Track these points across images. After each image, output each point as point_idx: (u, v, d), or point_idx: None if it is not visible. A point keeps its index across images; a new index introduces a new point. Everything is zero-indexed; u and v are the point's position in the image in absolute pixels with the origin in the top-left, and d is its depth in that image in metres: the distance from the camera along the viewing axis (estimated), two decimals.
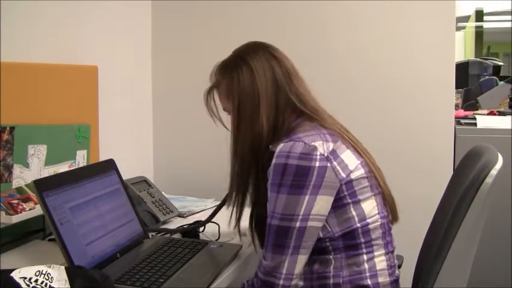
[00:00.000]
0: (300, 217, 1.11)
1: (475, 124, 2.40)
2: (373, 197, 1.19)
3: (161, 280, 1.15)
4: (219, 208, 1.49)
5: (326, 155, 1.13)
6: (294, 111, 1.25)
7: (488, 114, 2.74)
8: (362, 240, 1.17)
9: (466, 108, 2.93)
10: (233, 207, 1.32)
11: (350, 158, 1.18)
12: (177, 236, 1.52)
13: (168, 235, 1.51)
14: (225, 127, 1.33)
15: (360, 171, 1.18)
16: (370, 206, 1.18)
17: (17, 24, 1.60)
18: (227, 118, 1.33)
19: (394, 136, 1.99)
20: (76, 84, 1.79)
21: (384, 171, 1.27)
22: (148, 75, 2.30)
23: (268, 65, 1.25)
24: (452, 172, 1.78)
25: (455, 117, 2.21)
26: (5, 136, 1.50)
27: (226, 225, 1.50)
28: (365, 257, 1.17)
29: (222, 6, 2.17)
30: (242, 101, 1.24)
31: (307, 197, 1.11)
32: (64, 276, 0.96)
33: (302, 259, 1.13)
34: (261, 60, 1.26)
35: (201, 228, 1.55)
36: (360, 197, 1.17)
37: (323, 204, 1.13)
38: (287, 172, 1.12)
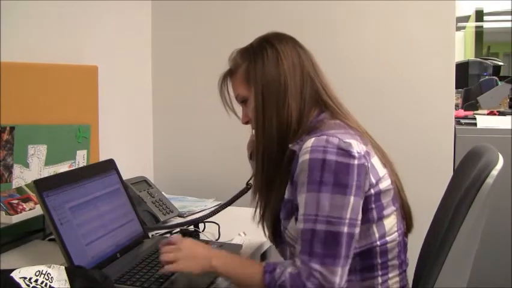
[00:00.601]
0: (347, 221, 1.01)
1: (475, 124, 2.41)
2: (394, 212, 1.13)
3: (161, 280, 1.15)
4: (214, 213, 1.48)
5: (362, 153, 1.05)
6: (317, 104, 1.18)
7: (488, 114, 2.75)
8: (379, 261, 1.10)
9: (466, 108, 2.93)
10: (257, 203, 1.23)
11: (378, 165, 1.12)
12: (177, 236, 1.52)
13: (168, 235, 1.51)
14: (238, 117, 1.26)
15: (387, 182, 1.12)
16: (391, 223, 1.12)
17: (17, 24, 1.60)
18: (239, 109, 1.26)
19: (394, 136, 1.99)
20: (76, 84, 1.79)
21: None
22: (148, 75, 2.30)
23: (296, 52, 1.18)
24: (452, 172, 1.78)
25: (455, 117, 2.21)
26: (5, 136, 1.50)
27: (227, 225, 1.50)
28: (379, 279, 1.11)
29: (222, 6, 2.17)
30: (266, 86, 1.15)
31: (352, 198, 1.02)
32: (64, 276, 0.96)
33: (347, 272, 1.03)
34: (288, 46, 1.18)
35: (201, 228, 1.55)
36: (384, 213, 1.10)
37: (360, 208, 1.05)
38: (327, 168, 1.02)
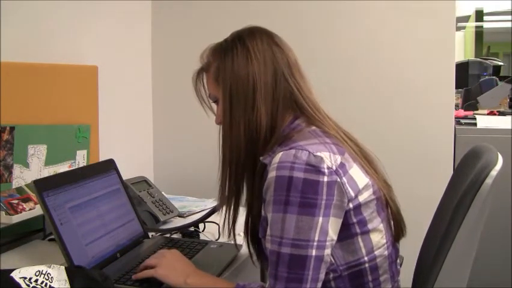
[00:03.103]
0: (315, 243, 0.96)
1: (475, 124, 2.41)
2: (381, 224, 1.07)
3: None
4: (212, 212, 1.46)
5: (334, 168, 0.98)
6: (292, 109, 1.11)
7: (488, 114, 2.75)
8: (370, 278, 1.05)
9: (466, 108, 2.93)
10: (225, 214, 1.17)
11: (358, 175, 1.05)
12: (177, 236, 1.52)
13: (168, 235, 1.51)
14: (215, 115, 1.20)
15: (369, 192, 1.05)
16: (379, 236, 1.07)
17: (17, 24, 1.60)
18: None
19: (394, 136, 1.99)
20: (76, 84, 1.79)
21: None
22: (148, 75, 2.30)
23: (270, 51, 1.10)
24: (452, 172, 1.78)
25: (455, 117, 2.21)
26: (5, 136, 1.50)
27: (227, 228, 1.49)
28: None
29: (222, 6, 2.17)
30: (235, 87, 1.08)
31: (320, 219, 0.96)
32: (64, 276, 0.96)
33: None
34: (261, 44, 1.10)
35: (201, 228, 1.55)
36: (369, 226, 1.04)
37: (334, 227, 0.99)
38: (293, 187, 0.95)
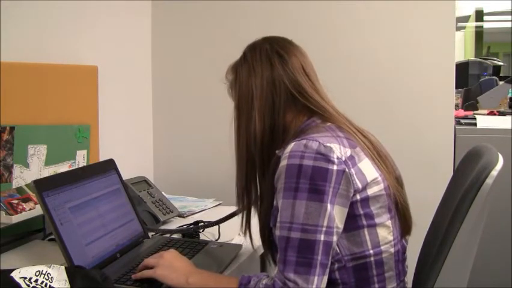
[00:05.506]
0: (324, 229, 0.99)
1: (475, 124, 2.40)
2: (389, 221, 1.08)
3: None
4: (230, 216, 1.44)
5: (343, 159, 1.02)
6: (301, 111, 1.16)
7: (488, 114, 2.75)
8: (375, 272, 1.06)
9: (466, 108, 2.93)
10: (241, 212, 1.24)
11: (368, 169, 1.07)
12: (177, 236, 1.52)
13: (168, 235, 1.51)
14: None
15: (379, 187, 1.07)
16: (385, 232, 1.07)
17: (17, 24, 1.60)
18: None
19: (394, 136, 1.99)
20: (76, 84, 1.79)
21: None
22: (148, 75, 2.30)
23: (268, 62, 1.15)
24: (452, 172, 1.78)
25: (455, 117, 2.21)
26: (5, 136, 1.50)
27: (227, 225, 1.49)
28: None
29: (222, 6, 2.17)
30: (239, 101, 1.17)
31: (329, 206, 0.99)
32: (64, 276, 0.96)
33: (325, 281, 1.00)
34: (260, 57, 1.16)
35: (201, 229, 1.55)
36: (376, 221, 1.06)
37: (340, 216, 1.01)
38: (303, 174, 0.99)
